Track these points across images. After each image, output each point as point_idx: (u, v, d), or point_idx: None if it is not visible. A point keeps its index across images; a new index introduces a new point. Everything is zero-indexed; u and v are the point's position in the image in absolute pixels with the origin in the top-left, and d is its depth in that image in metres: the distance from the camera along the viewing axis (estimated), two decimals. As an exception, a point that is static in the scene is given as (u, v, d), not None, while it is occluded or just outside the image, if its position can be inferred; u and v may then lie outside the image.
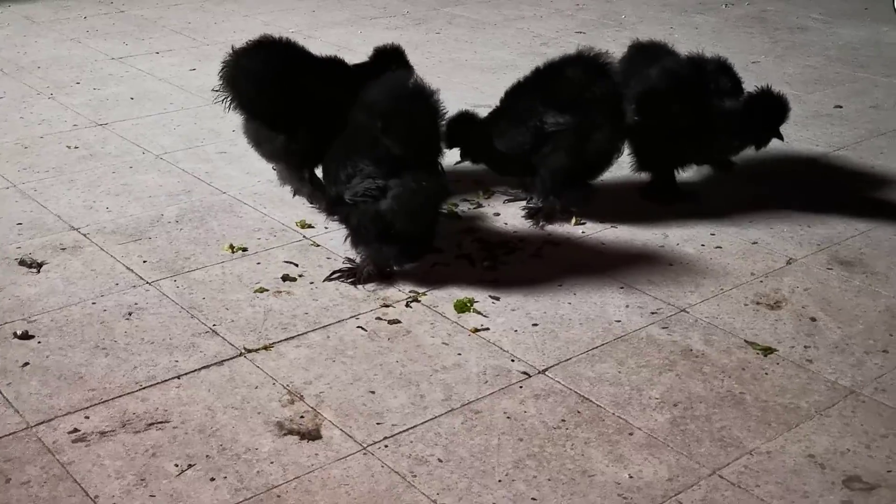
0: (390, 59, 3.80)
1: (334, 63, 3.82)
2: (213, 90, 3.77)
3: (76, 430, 2.48)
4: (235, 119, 4.78)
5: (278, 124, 3.64)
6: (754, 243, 3.55)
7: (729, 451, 2.46)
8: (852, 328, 3.03)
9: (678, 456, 2.44)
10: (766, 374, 2.79)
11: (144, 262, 3.36)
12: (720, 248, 3.53)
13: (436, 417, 2.57)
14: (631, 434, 2.52)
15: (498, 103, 3.83)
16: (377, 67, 3.71)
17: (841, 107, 5.10)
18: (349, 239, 3.23)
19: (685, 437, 2.51)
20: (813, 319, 3.08)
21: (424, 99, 3.12)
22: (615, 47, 6.14)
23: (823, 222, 3.76)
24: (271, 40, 3.74)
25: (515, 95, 3.77)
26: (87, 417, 2.53)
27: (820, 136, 4.62)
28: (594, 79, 3.64)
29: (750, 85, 3.82)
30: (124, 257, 3.39)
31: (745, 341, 2.95)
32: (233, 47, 3.75)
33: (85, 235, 3.54)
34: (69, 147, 4.39)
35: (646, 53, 4.03)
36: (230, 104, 3.70)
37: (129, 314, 3.03)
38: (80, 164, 4.20)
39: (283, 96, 3.60)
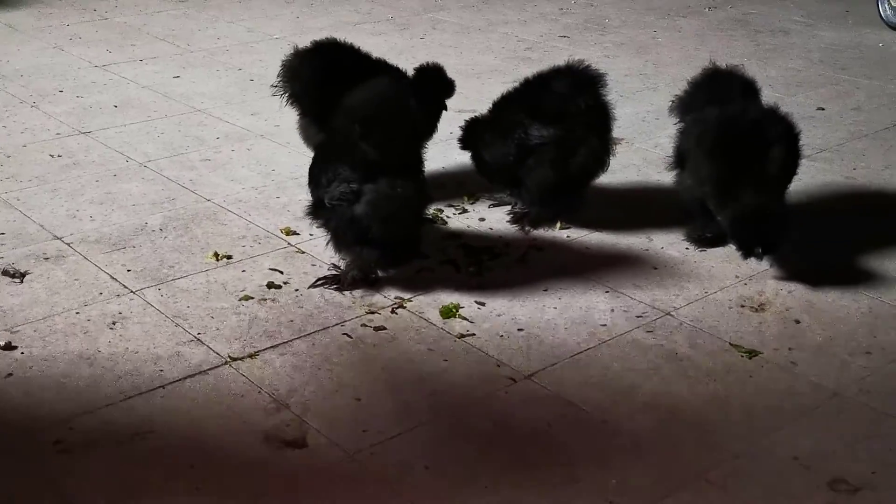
0: (431, 77, 3.84)
1: (385, 66, 3.92)
2: (271, 86, 3.95)
3: (60, 441, 2.47)
4: (219, 126, 4.79)
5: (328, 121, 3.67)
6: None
7: (714, 454, 2.46)
8: (836, 330, 3.04)
9: (664, 460, 2.44)
10: (751, 376, 2.80)
11: (128, 270, 3.35)
12: (704, 251, 3.54)
13: (422, 424, 2.57)
14: (617, 438, 2.52)
15: (487, 112, 3.84)
16: (420, 88, 3.77)
17: (823, 109, 5.13)
18: (330, 243, 3.23)
19: (671, 441, 2.51)
20: (797, 322, 3.09)
21: (404, 106, 3.13)
22: (599, 51, 6.18)
23: (806, 224, 3.77)
24: (330, 42, 3.96)
25: (502, 106, 3.77)
26: (70, 428, 2.52)
27: (802, 138, 4.63)
28: (581, 92, 3.64)
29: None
30: (108, 266, 3.37)
31: (730, 344, 2.96)
32: (295, 46, 3.94)
33: (68, 245, 3.53)
34: (52, 156, 4.37)
35: (714, 86, 3.71)
36: (287, 100, 3.87)
37: (114, 323, 3.02)
38: (63, 173, 4.18)
39: (335, 95, 3.59)
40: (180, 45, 6.26)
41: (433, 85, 3.81)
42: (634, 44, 6.44)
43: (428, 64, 3.89)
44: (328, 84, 3.68)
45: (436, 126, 3.88)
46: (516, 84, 3.81)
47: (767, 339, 2.99)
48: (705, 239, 3.55)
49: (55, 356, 2.84)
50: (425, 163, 3.39)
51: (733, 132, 3.39)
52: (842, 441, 2.52)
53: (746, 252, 3.28)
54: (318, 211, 3.19)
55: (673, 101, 3.77)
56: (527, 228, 3.70)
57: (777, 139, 3.35)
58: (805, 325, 3.07)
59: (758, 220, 3.23)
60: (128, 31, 6.58)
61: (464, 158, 3.98)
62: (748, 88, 3.68)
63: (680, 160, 3.60)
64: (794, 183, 3.55)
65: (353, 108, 3.17)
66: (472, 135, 3.82)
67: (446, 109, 3.87)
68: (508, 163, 3.65)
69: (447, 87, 3.84)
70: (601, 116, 3.69)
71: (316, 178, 3.19)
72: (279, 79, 3.88)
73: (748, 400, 2.69)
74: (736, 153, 3.35)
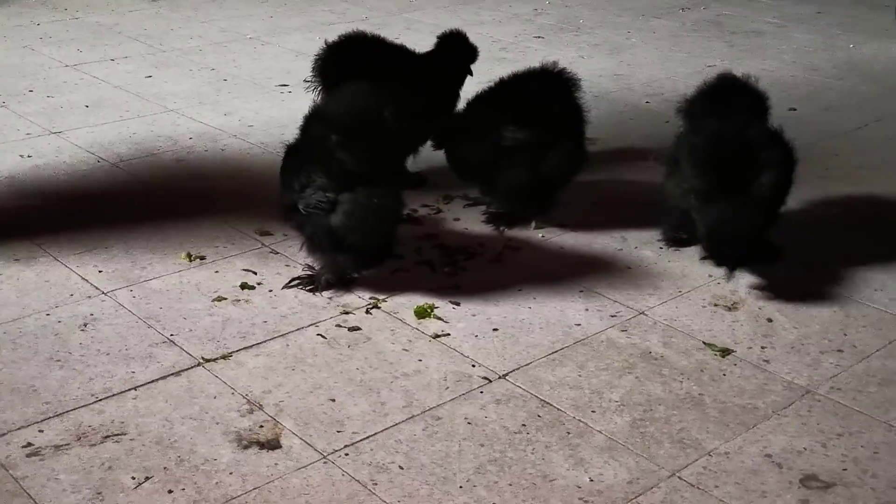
0: (454, 44, 4.02)
1: (413, 56, 4.07)
2: (304, 80, 4.02)
3: (30, 444, 2.44)
4: (192, 126, 4.76)
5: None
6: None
7: (688, 452, 2.47)
8: (808, 328, 3.06)
9: (638, 458, 2.45)
10: (724, 374, 2.81)
11: (100, 272, 3.32)
12: (678, 251, 3.55)
13: (396, 424, 2.56)
14: (591, 437, 2.52)
15: (461, 111, 3.85)
16: (444, 54, 4.01)
17: (795, 109, 5.17)
18: (304, 247, 3.22)
19: (645, 440, 2.52)
20: (769, 320, 3.11)
21: (384, 113, 3.12)
22: (573, 51, 6.20)
23: (779, 224, 3.79)
24: (360, 34, 4.06)
25: (476, 106, 3.77)
26: (41, 431, 2.49)
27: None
28: (556, 94, 3.65)
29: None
30: (79, 268, 3.34)
31: (704, 343, 2.97)
32: (325, 41, 4.03)
33: (39, 245, 3.49)
34: (22, 156, 4.33)
35: (722, 96, 3.62)
36: (320, 93, 3.95)
37: (85, 325, 2.99)
38: (33, 174, 4.13)
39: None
40: (153, 45, 6.21)
41: (457, 51, 3.96)
42: (609, 44, 6.46)
43: (451, 31, 4.02)
44: (362, 76, 3.73)
45: (458, 94, 4.02)
46: (491, 84, 3.81)
47: (740, 337, 3.01)
48: (679, 240, 3.56)
49: (25, 358, 2.81)
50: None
51: (725, 148, 3.30)
52: (814, 438, 2.54)
53: (718, 265, 3.28)
54: (290, 214, 3.18)
55: (680, 104, 3.68)
56: (502, 229, 3.70)
57: (770, 163, 3.28)
58: (777, 323, 3.09)
59: (732, 240, 3.19)
60: (100, 31, 6.53)
61: (438, 157, 3.98)
62: (757, 103, 3.58)
63: (671, 166, 3.51)
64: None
65: (331, 116, 3.15)
66: (446, 133, 3.82)
67: (472, 75, 4.02)
68: (481, 163, 3.65)
69: (471, 53, 4.00)
70: (575, 120, 3.70)
71: (288, 181, 3.17)
72: (313, 73, 3.98)
73: (721, 398, 2.70)
74: (724, 170, 3.26)
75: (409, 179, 4.01)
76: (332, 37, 4.10)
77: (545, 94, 3.65)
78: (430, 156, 4.11)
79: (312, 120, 3.19)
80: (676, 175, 3.42)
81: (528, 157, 3.58)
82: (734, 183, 3.24)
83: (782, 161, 3.34)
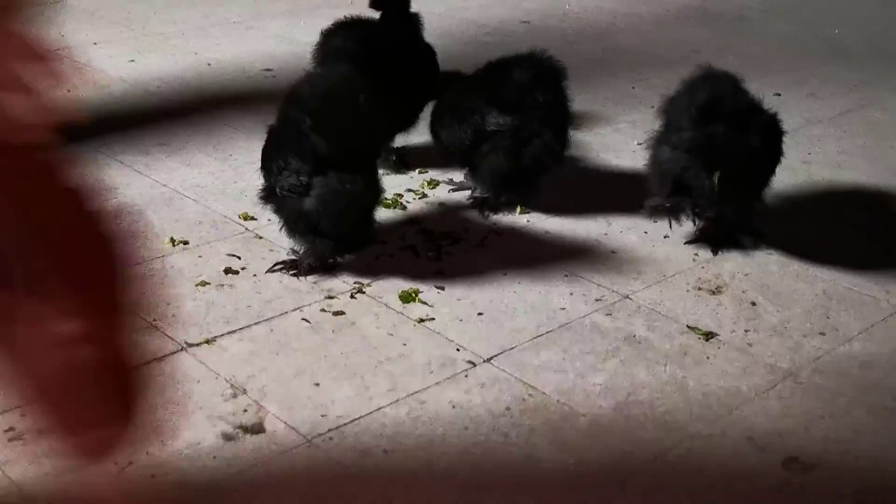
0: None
1: (417, 40, 4.07)
2: (304, 65, 3.99)
3: (12, 428, 2.42)
4: (174, 110, 4.72)
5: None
6: (696, 230, 3.59)
7: (672, 435, 2.48)
8: (791, 312, 3.08)
9: (622, 441, 2.46)
10: (708, 358, 2.82)
11: (82, 256, 3.29)
12: (667, 236, 3.55)
13: (381, 408, 2.56)
14: (575, 421, 2.53)
15: (446, 94, 3.83)
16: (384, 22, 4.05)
17: (780, 95, 5.17)
18: (283, 230, 3.21)
19: (629, 423, 2.53)
20: (753, 304, 3.12)
21: (359, 98, 3.09)
22: (558, 36, 6.18)
23: (763, 208, 3.80)
24: (360, 18, 4.06)
25: (461, 90, 3.76)
26: (23, 416, 2.47)
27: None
28: (542, 83, 3.64)
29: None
30: (62, 252, 3.32)
31: (688, 326, 2.98)
32: (322, 29, 4.06)
33: (20, 230, 3.46)
34: (4, 141, 4.29)
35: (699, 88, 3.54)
36: None
37: (67, 310, 2.97)
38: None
39: (375, 68, 3.71)
40: (135, 29, 6.17)
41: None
42: (594, 30, 6.45)
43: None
44: (368, 56, 3.79)
45: (436, 75, 4.03)
46: (478, 68, 3.80)
47: (724, 320, 3.02)
48: (662, 208, 3.51)
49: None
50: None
51: (724, 104, 3.34)
52: (796, 421, 2.55)
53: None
54: (270, 197, 3.17)
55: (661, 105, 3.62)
56: (486, 213, 3.70)
57: (763, 126, 3.39)
58: (761, 306, 3.11)
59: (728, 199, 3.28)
60: (81, 15, 6.47)
61: (423, 140, 3.97)
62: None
63: (664, 130, 3.48)
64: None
65: (303, 97, 3.14)
66: (432, 114, 3.81)
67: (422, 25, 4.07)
68: (464, 147, 3.64)
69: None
70: (560, 110, 3.69)
71: (267, 164, 3.16)
72: (315, 54, 3.98)
73: (705, 381, 2.71)
74: (722, 125, 3.29)
75: (392, 164, 4.00)
76: (322, 22, 4.10)
77: (531, 80, 3.64)
78: (416, 138, 4.10)
79: (287, 103, 3.18)
80: (670, 136, 3.40)
81: (511, 143, 3.57)
82: (731, 140, 3.29)
83: (774, 125, 3.45)
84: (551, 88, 3.65)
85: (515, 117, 3.58)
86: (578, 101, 3.90)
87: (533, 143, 3.58)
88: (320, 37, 4.05)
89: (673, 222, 3.40)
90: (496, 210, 3.71)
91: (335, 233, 3.13)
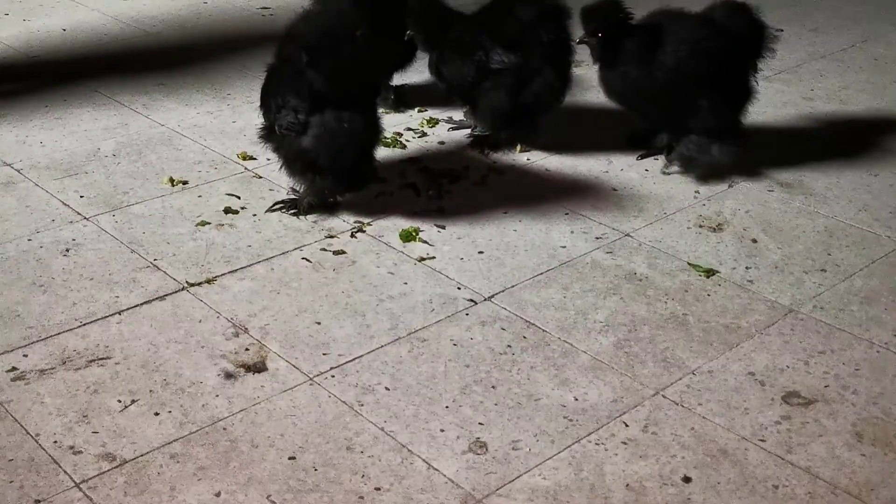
0: None
1: None
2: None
3: (14, 368, 2.44)
4: (171, 50, 4.67)
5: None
6: (697, 168, 3.56)
7: (672, 371, 2.50)
8: (792, 248, 3.07)
9: (622, 377, 2.47)
10: (709, 295, 2.82)
11: (81, 197, 3.28)
12: (666, 173, 3.54)
13: (382, 346, 2.57)
14: (576, 358, 2.54)
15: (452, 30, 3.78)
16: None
17: (782, 30, 5.09)
18: (283, 169, 3.19)
19: (629, 359, 2.54)
20: (754, 241, 3.11)
21: (354, 35, 3.05)
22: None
23: (764, 145, 3.78)
24: None
25: (464, 26, 3.71)
26: (25, 356, 2.49)
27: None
28: (545, 21, 3.59)
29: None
30: (60, 192, 3.30)
31: (688, 264, 2.98)
32: None
33: (18, 171, 3.45)
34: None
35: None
36: None
37: (67, 250, 2.97)
38: (10, 98, 4.06)
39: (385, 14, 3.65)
40: (130, -33, 6.06)
41: None
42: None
43: None
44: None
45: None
46: (482, 5, 3.74)
47: (725, 258, 3.01)
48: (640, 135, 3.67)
49: (8, 283, 2.79)
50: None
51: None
52: (796, 356, 2.56)
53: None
54: (269, 135, 3.15)
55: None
56: (486, 152, 3.67)
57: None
58: (762, 243, 3.10)
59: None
60: (75, -47, 6.36)
61: (423, 77, 3.92)
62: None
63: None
64: (754, 102, 3.54)
65: (299, 34, 3.10)
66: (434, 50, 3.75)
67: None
68: (466, 83, 3.61)
69: None
70: (562, 48, 3.65)
71: (266, 102, 3.13)
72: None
73: (705, 318, 2.71)
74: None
75: (391, 102, 3.97)
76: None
77: (535, 18, 3.60)
78: (415, 76, 4.06)
79: (285, 40, 3.14)
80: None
81: (513, 81, 3.54)
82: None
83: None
84: (554, 27, 3.61)
85: (518, 55, 3.54)
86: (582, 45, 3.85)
87: (535, 81, 3.55)
88: None
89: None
90: (496, 148, 3.69)
91: (334, 170, 3.11)
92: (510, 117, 3.62)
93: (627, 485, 2.13)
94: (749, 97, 3.52)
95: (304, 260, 2.96)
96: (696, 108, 3.38)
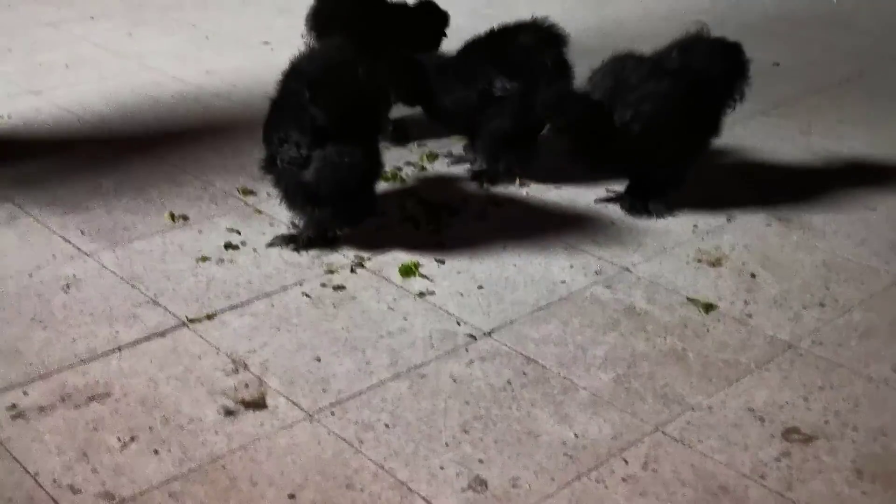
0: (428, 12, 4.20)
1: (406, 7, 4.22)
2: (301, 36, 4.07)
3: (14, 406, 2.43)
4: (173, 85, 4.70)
5: None
6: (695, 202, 3.58)
7: (672, 407, 2.49)
8: (790, 283, 3.08)
9: (622, 414, 2.47)
10: (708, 330, 2.83)
11: (82, 233, 3.30)
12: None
13: (382, 383, 2.57)
14: (576, 393, 2.54)
15: (446, 58, 3.83)
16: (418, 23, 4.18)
17: (778, 64, 5.15)
18: (283, 202, 3.21)
19: (629, 395, 2.54)
20: (752, 275, 3.12)
21: (356, 71, 3.09)
22: (558, 7, 6.12)
23: (762, 179, 3.81)
24: None
25: (466, 54, 3.75)
26: (25, 393, 2.48)
27: (758, 94, 4.65)
28: (545, 48, 3.65)
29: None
30: (61, 228, 3.32)
31: (687, 298, 2.98)
32: None
33: (20, 207, 3.46)
34: (1, 116, 4.28)
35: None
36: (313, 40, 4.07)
37: (67, 286, 2.97)
38: (12, 134, 4.09)
39: (367, 33, 3.87)
40: (133, 2, 6.13)
41: (430, 18, 4.12)
42: (593, 0, 6.41)
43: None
44: (359, 22, 3.96)
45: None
46: (479, 35, 3.78)
47: (724, 292, 3.02)
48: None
49: (7, 320, 2.79)
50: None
51: None
52: (796, 392, 2.56)
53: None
54: (271, 167, 3.17)
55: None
56: (485, 185, 3.69)
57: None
58: (760, 278, 3.11)
59: None
60: (77, -12, 6.43)
61: (421, 112, 3.95)
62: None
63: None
64: (751, 136, 3.57)
65: (303, 70, 3.14)
66: (434, 81, 3.78)
67: (446, 36, 4.17)
68: (469, 110, 3.64)
69: (442, 20, 4.18)
70: (562, 75, 3.69)
71: (269, 136, 3.16)
72: (308, 23, 4.09)
73: (705, 353, 2.72)
74: None
75: (390, 134, 4.00)
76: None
77: (535, 45, 3.66)
78: (415, 111, 4.09)
79: (288, 76, 3.17)
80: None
81: (516, 107, 3.57)
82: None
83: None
84: (554, 53, 3.67)
85: (521, 82, 3.58)
86: (577, 72, 3.88)
87: (534, 108, 3.59)
88: (315, 2, 4.13)
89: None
90: (494, 181, 3.71)
91: (333, 204, 3.13)
92: (510, 144, 3.65)
93: (628, 523, 2.13)
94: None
95: (304, 295, 2.96)
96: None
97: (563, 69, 3.70)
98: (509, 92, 3.59)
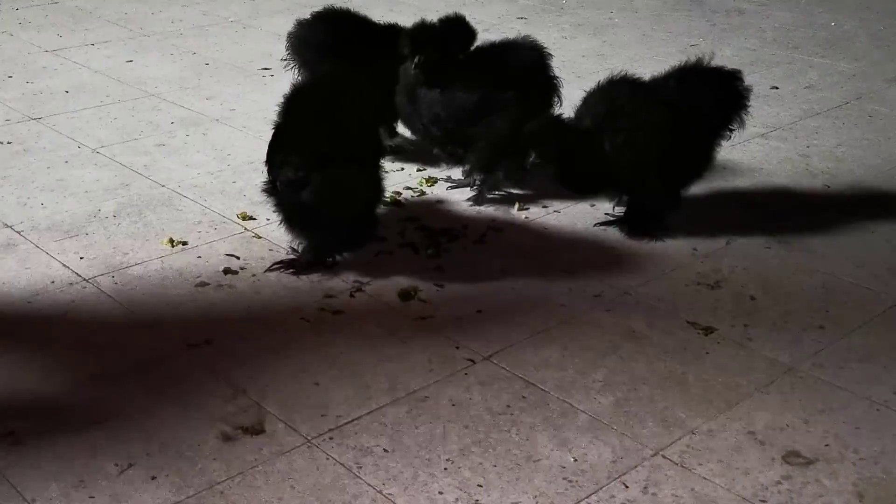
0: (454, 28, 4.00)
1: (391, 30, 4.14)
2: (281, 59, 4.13)
3: (12, 432, 2.42)
4: (174, 111, 4.72)
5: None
6: (694, 225, 3.58)
7: (672, 430, 2.48)
8: (790, 306, 3.07)
9: (622, 437, 2.46)
10: (708, 353, 2.82)
11: (81, 258, 3.30)
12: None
13: (381, 407, 2.56)
14: (575, 417, 2.53)
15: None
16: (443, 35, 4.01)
17: (777, 88, 5.17)
18: (283, 226, 3.21)
19: (629, 419, 2.53)
20: (752, 298, 3.12)
21: (357, 95, 3.11)
22: (556, 32, 6.18)
23: (761, 202, 3.81)
24: (331, 10, 4.24)
25: (464, 66, 3.80)
26: (23, 419, 2.47)
27: (757, 117, 4.68)
28: (536, 63, 3.79)
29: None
30: (60, 254, 3.32)
31: (687, 321, 2.98)
32: (297, 20, 4.17)
33: (19, 233, 3.47)
34: (2, 142, 4.29)
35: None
36: (299, 69, 4.07)
37: (66, 313, 2.97)
38: (13, 160, 4.10)
39: (342, 61, 3.92)
40: (133, 29, 6.16)
41: (457, 33, 3.95)
42: (591, 24, 6.45)
43: (449, 15, 4.02)
44: (338, 49, 3.95)
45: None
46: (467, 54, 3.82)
47: (723, 315, 3.01)
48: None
49: (7, 346, 2.79)
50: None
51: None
52: (796, 415, 2.55)
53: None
54: (272, 191, 3.18)
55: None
56: (483, 198, 3.74)
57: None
58: (760, 301, 3.10)
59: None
60: (79, 15, 6.47)
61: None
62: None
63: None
64: (750, 160, 3.58)
65: (307, 96, 3.16)
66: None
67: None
68: (465, 124, 3.65)
69: (470, 35, 3.97)
70: (550, 88, 3.84)
71: (271, 158, 3.18)
72: (288, 50, 4.09)
73: (704, 376, 2.71)
74: None
75: (388, 150, 4.04)
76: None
77: (528, 61, 3.78)
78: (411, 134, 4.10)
79: (289, 101, 3.19)
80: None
81: (512, 117, 3.60)
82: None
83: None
84: (544, 68, 3.81)
85: (516, 93, 3.64)
86: (577, 95, 3.89)
87: (530, 118, 3.63)
88: (295, 28, 4.14)
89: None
90: (490, 191, 3.73)
91: (332, 227, 3.13)
92: (506, 153, 3.68)
93: (628, 548, 2.11)
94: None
95: (303, 320, 2.96)
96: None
97: (552, 83, 3.83)
98: (506, 103, 3.62)
